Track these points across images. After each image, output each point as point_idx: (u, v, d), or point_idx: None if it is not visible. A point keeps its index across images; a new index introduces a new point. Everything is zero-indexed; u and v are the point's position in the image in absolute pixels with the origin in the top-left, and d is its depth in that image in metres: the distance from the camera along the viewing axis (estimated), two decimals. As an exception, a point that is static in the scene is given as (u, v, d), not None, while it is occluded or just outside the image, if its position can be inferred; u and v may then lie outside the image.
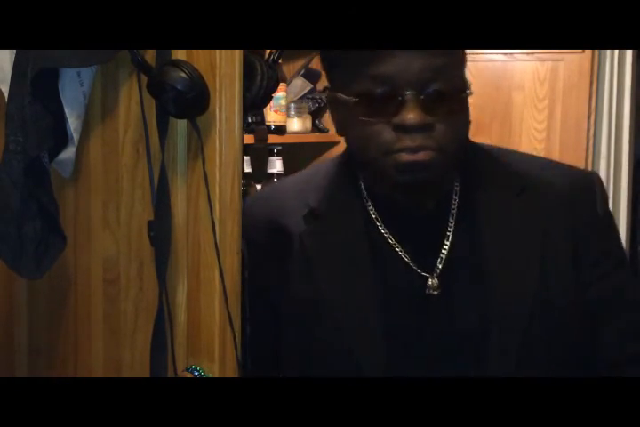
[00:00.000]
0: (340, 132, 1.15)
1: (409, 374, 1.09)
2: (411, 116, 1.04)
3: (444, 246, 1.14)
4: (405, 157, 1.06)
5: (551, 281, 1.12)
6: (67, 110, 1.18)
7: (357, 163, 1.17)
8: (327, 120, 2.63)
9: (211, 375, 1.12)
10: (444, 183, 1.16)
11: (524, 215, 1.14)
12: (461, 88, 1.10)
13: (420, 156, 1.06)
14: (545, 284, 1.11)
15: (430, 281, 1.13)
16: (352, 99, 1.08)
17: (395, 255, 1.15)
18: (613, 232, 1.21)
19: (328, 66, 1.14)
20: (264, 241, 1.20)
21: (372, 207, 1.17)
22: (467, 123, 1.14)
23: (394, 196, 1.15)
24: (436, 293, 1.12)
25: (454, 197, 1.16)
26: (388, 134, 1.06)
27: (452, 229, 1.15)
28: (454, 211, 1.16)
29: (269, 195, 1.30)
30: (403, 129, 1.05)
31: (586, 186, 1.19)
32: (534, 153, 2.54)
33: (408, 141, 1.06)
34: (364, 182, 1.19)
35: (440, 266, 1.13)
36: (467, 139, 1.16)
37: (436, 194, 1.16)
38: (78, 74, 1.17)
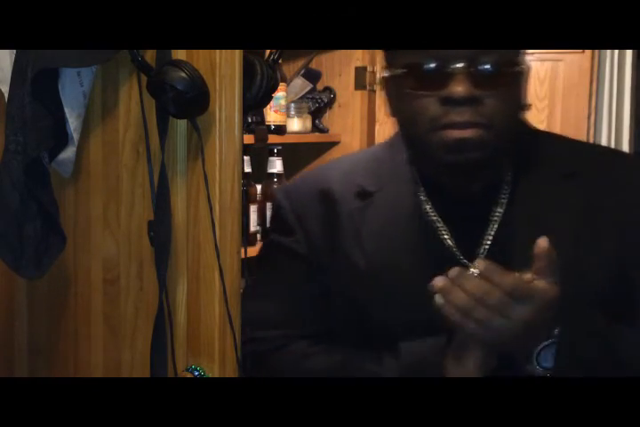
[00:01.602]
0: (392, 112, 1.13)
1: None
2: (459, 89, 1.02)
3: (489, 235, 1.11)
4: (453, 133, 1.03)
5: (592, 266, 1.09)
6: (67, 110, 1.18)
7: (406, 142, 1.14)
8: (327, 120, 2.63)
9: (211, 375, 1.12)
10: (494, 167, 1.11)
11: (568, 201, 1.11)
12: (515, 62, 1.06)
13: (468, 133, 1.03)
14: (585, 269, 1.08)
15: (471, 270, 1.11)
16: (401, 71, 1.06)
17: (439, 239, 1.13)
18: None
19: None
20: (314, 215, 1.18)
21: (421, 188, 1.15)
22: (519, 100, 1.09)
23: (442, 177, 1.13)
24: None
25: (506, 187, 1.13)
26: (435, 108, 1.03)
27: (498, 219, 1.12)
28: (504, 200, 1.12)
29: (318, 174, 1.27)
30: (450, 102, 1.02)
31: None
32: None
33: (455, 116, 1.02)
34: (413, 163, 1.16)
35: (482, 255, 1.11)
36: (520, 118, 1.12)
37: (485, 177, 1.12)
38: (78, 74, 1.17)
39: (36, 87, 1.12)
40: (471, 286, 0.98)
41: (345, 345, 1.15)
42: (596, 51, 2.92)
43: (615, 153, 1.19)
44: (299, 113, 2.50)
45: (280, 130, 2.37)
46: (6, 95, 1.16)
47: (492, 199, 1.13)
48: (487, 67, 1.03)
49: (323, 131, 2.60)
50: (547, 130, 1.25)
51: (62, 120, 1.18)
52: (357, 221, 1.15)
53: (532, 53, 2.94)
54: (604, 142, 3.01)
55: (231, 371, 1.14)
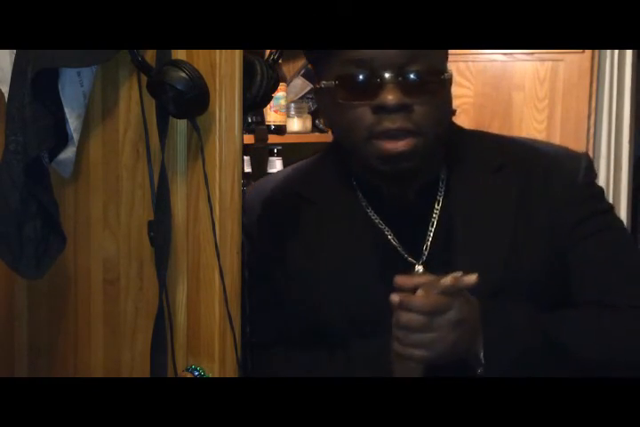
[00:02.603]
0: (327, 124, 1.18)
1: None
2: (390, 97, 1.06)
3: (429, 233, 1.16)
4: (387, 144, 1.08)
5: (523, 251, 1.13)
6: (67, 110, 1.18)
7: (343, 152, 1.19)
8: (327, 120, 2.63)
9: (211, 375, 1.12)
10: (428, 171, 1.17)
11: (499, 191, 1.16)
12: (440, 70, 1.11)
13: (402, 144, 1.08)
14: (516, 255, 1.13)
15: (417, 267, 1.14)
16: (333, 83, 1.10)
17: (384, 240, 1.17)
18: (594, 199, 1.20)
19: (312, 57, 1.17)
20: (260, 226, 1.23)
21: (360, 194, 1.20)
22: (448, 107, 1.15)
23: (378, 184, 1.18)
24: None
25: (441, 184, 1.18)
26: (368, 117, 1.08)
27: (436, 216, 1.16)
28: (440, 197, 1.17)
29: (261, 184, 1.32)
30: (382, 110, 1.07)
31: (567, 160, 1.21)
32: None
33: (388, 123, 1.07)
34: (351, 172, 1.21)
35: (426, 253, 1.15)
36: (449, 124, 1.18)
37: (419, 182, 1.17)
38: (78, 74, 1.17)
39: (36, 87, 1.12)
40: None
41: (300, 348, 1.20)
42: (596, 51, 2.92)
43: (534, 145, 1.24)
44: (299, 113, 2.50)
45: (280, 130, 2.37)
46: (6, 95, 1.16)
47: (429, 198, 1.18)
48: (413, 76, 1.08)
49: (323, 131, 2.60)
50: (475, 129, 1.31)
51: (62, 120, 1.18)
52: (302, 228, 1.20)
53: (532, 53, 2.94)
54: (604, 142, 3.02)
55: (231, 371, 1.14)
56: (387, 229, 1.17)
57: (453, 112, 1.20)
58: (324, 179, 1.23)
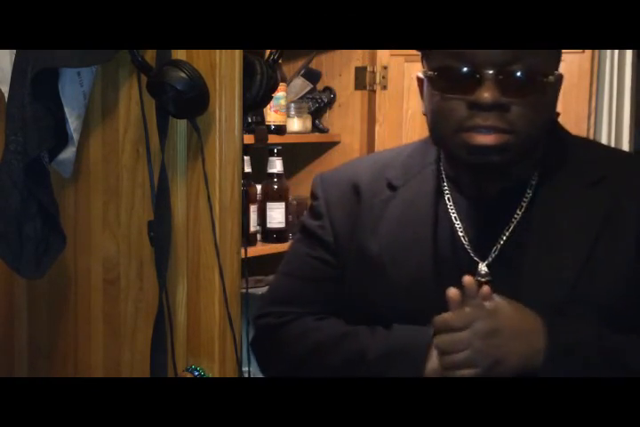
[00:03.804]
0: (424, 111, 1.16)
1: None
2: (486, 95, 1.04)
3: (503, 237, 1.13)
4: (476, 137, 1.06)
5: (599, 273, 1.08)
6: (67, 110, 1.18)
7: (434, 141, 1.17)
8: (327, 120, 2.63)
9: (211, 375, 1.13)
10: (516, 173, 1.14)
11: (590, 207, 1.12)
12: (545, 72, 1.07)
13: (491, 138, 1.05)
14: (590, 276, 1.08)
15: (480, 267, 1.11)
16: (433, 73, 1.09)
17: (455, 235, 1.15)
18: None
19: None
20: (342, 204, 1.21)
21: (445, 186, 1.18)
22: (549, 109, 1.11)
23: (464, 176, 1.15)
24: (483, 280, 1.11)
25: (529, 190, 1.14)
26: (461, 111, 1.06)
27: (515, 221, 1.13)
28: (525, 203, 1.14)
29: (353, 165, 1.31)
30: (477, 107, 1.05)
31: None
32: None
33: (480, 120, 1.05)
34: (440, 161, 1.19)
35: (494, 255, 1.12)
36: (547, 126, 1.13)
37: (505, 182, 1.14)
38: (78, 74, 1.17)
39: (36, 87, 1.12)
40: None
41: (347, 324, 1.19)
42: (596, 51, 2.92)
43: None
44: (299, 113, 2.50)
45: (280, 130, 2.36)
46: (6, 95, 1.16)
47: (512, 202, 1.15)
48: (517, 75, 1.05)
49: (323, 131, 2.60)
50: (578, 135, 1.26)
51: (62, 120, 1.18)
52: (378, 213, 1.18)
53: (532, 53, 2.94)
54: (604, 142, 3.01)
55: (231, 371, 1.14)
56: (460, 224, 1.15)
57: (557, 114, 1.15)
58: (413, 166, 1.21)
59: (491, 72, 1.04)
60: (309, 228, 1.23)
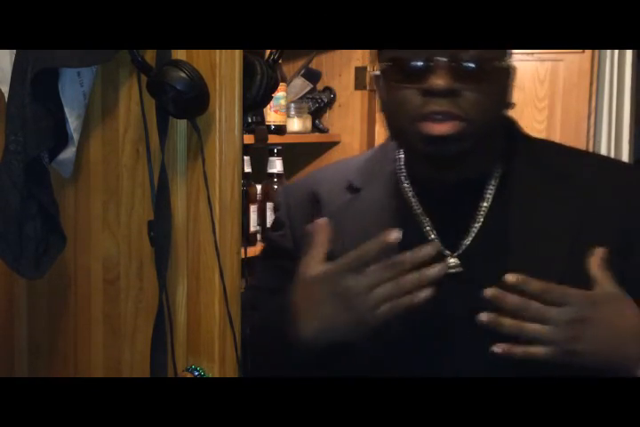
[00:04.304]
0: (381, 108, 1.17)
1: (415, 356, 1.11)
2: (439, 81, 1.06)
3: (473, 229, 1.14)
4: (432, 126, 1.07)
5: (580, 263, 1.07)
6: (67, 110, 1.18)
7: (391, 135, 1.19)
8: (327, 120, 2.63)
9: (211, 375, 1.13)
10: (476, 161, 1.14)
11: (560, 201, 1.13)
12: (495, 57, 1.10)
13: (447, 127, 1.07)
14: (574, 267, 1.08)
15: (450, 259, 1.12)
16: (387, 64, 1.10)
17: (422, 232, 1.16)
18: None
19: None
20: (303, 213, 1.23)
21: (407, 182, 1.19)
22: (501, 97, 1.13)
23: (424, 169, 1.17)
24: (453, 271, 1.12)
25: (492, 182, 1.16)
26: (416, 100, 1.08)
27: (483, 213, 1.15)
28: (489, 195, 1.15)
29: (313, 174, 1.34)
30: (430, 94, 1.06)
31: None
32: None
33: (434, 106, 1.06)
34: (400, 158, 1.21)
35: (464, 246, 1.13)
36: (501, 116, 1.15)
37: (467, 170, 1.15)
38: (78, 74, 1.17)
39: (36, 87, 1.12)
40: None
41: None
42: (596, 51, 2.92)
43: (610, 160, 1.23)
44: (299, 113, 2.50)
45: (280, 130, 2.36)
46: (6, 95, 1.16)
47: (475, 194, 1.16)
48: (469, 61, 1.07)
49: (323, 131, 2.60)
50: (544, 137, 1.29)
51: (62, 120, 1.18)
52: (340, 216, 1.19)
53: (532, 53, 2.94)
54: (604, 142, 3.01)
55: (231, 371, 1.14)
56: (427, 220, 1.16)
57: (512, 105, 1.16)
58: (374, 167, 1.23)
59: (443, 59, 1.06)
60: (271, 239, 1.27)
